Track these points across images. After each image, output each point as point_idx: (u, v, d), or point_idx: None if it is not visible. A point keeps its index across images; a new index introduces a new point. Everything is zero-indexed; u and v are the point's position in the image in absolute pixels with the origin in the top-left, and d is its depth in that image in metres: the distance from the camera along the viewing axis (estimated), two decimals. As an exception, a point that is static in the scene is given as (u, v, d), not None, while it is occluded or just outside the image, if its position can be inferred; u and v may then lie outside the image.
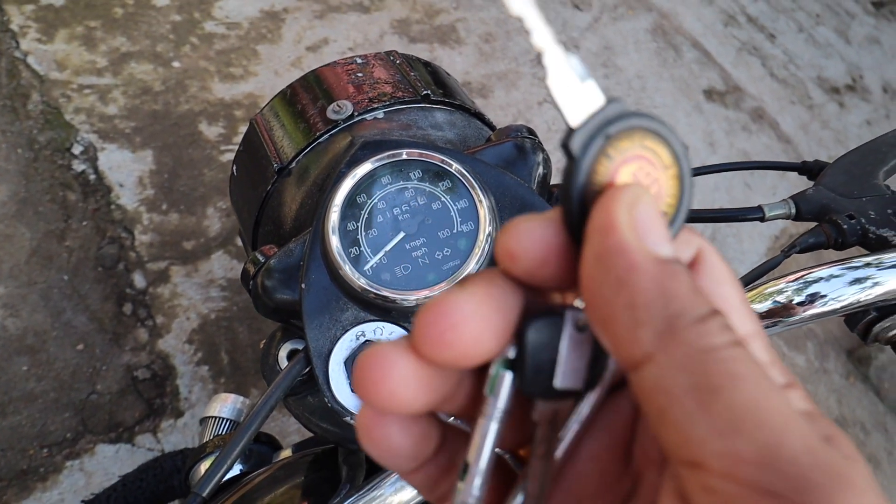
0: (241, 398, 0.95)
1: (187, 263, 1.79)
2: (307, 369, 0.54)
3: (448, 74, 0.73)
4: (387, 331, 0.53)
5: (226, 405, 0.95)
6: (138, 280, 1.73)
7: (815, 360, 2.00)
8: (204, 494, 0.50)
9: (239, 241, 1.87)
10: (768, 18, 2.97)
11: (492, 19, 2.61)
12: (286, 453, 0.82)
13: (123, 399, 1.61)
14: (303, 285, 0.54)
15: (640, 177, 0.24)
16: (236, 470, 0.77)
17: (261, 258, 0.57)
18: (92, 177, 1.80)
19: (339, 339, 0.53)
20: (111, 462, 1.55)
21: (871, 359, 1.94)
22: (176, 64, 2.04)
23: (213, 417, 0.94)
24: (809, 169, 0.50)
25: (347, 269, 0.52)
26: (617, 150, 0.23)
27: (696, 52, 2.76)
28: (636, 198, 0.23)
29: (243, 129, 2.03)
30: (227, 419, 0.94)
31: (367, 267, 0.53)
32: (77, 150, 1.82)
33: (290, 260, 0.56)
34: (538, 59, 2.54)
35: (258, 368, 1.75)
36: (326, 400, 0.52)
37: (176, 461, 1.03)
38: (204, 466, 0.77)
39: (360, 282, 0.52)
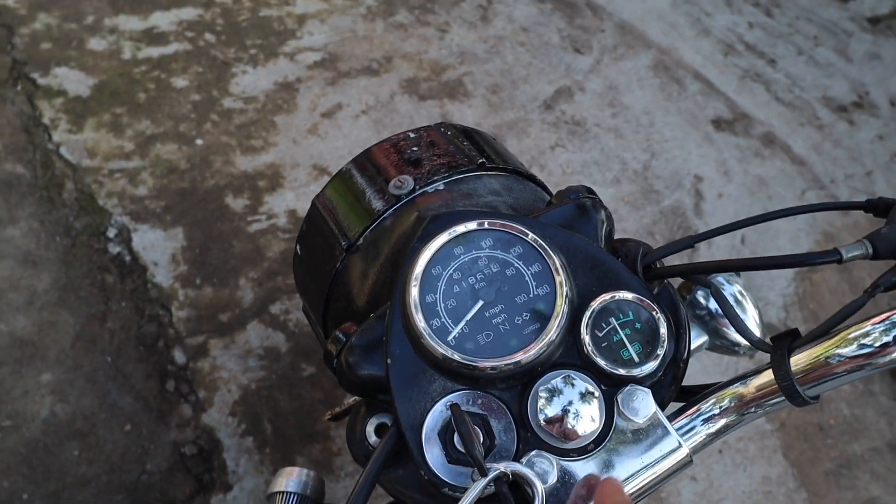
0: (306, 471, 0.96)
1: (224, 336, 1.81)
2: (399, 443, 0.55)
3: (495, 139, 0.76)
4: (475, 398, 0.54)
5: (291, 479, 0.95)
6: (178, 356, 1.75)
7: (861, 382, 1.98)
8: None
9: (273, 309, 1.89)
10: (766, 44, 3.02)
11: (496, 71, 2.67)
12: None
13: (173, 476, 1.61)
14: (388, 360, 0.55)
15: None
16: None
17: (342, 337, 0.58)
18: (127, 258, 1.84)
19: (429, 410, 0.54)
20: (166, 542, 1.55)
21: (918, 379, 1.92)
22: (199, 141, 2.10)
23: (280, 493, 0.94)
24: (875, 207, 0.51)
25: (432, 342, 0.54)
26: None
27: (699, 84, 2.80)
28: None
29: (268, 198, 2.07)
30: (295, 493, 0.94)
31: (450, 337, 0.54)
32: (111, 233, 1.86)
33: (371, 336, 0.57)
34: (545, 105, 2.59)
35: (302, 436, 1.76)
36: (422, 472, 0.53)
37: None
38: (280, 542, 0.78)
39: (446, 352, 0.53)
